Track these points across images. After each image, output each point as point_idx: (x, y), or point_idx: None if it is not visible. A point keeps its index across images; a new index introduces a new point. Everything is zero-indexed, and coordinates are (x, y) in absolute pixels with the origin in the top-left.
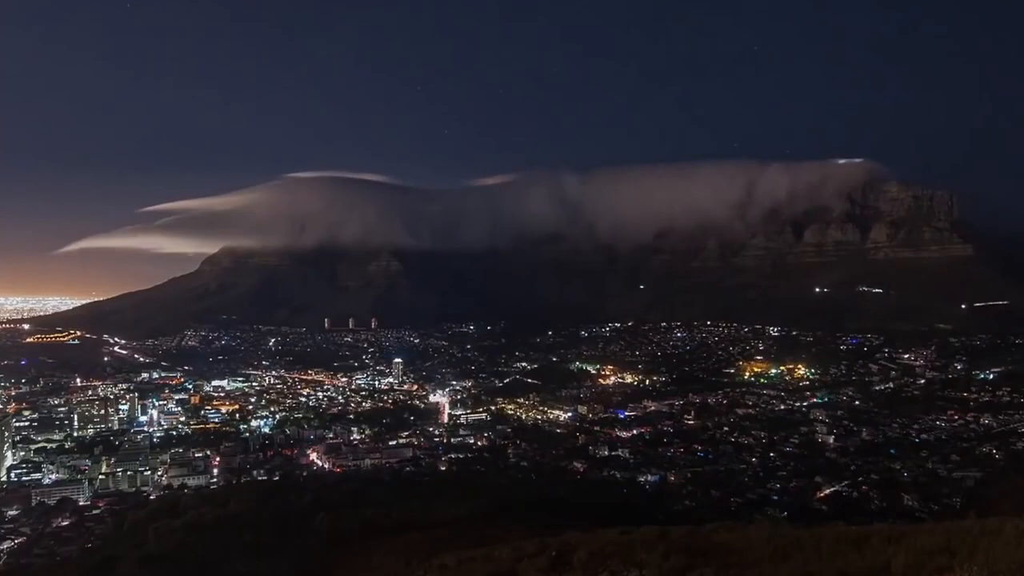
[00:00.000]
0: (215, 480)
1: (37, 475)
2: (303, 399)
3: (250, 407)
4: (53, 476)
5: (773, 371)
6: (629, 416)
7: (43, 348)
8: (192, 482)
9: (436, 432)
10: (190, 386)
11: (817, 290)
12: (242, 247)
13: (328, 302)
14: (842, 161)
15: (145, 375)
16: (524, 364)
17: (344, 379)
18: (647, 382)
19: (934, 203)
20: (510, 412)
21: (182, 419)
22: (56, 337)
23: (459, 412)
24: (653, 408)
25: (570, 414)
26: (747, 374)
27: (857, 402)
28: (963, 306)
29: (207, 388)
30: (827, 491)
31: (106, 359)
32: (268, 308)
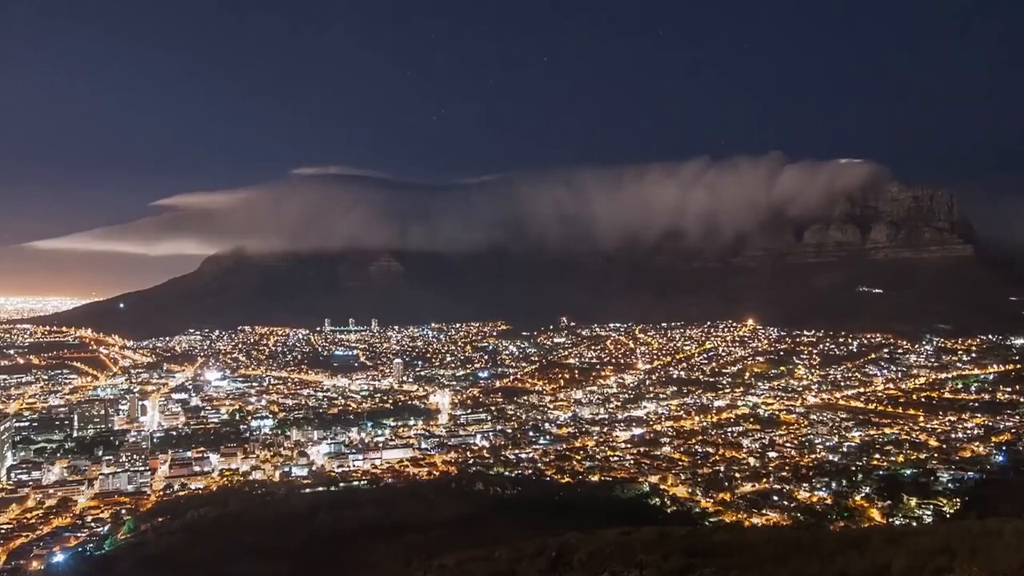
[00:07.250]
0: (215, 480)
1: (37, 475)
2: (303, 399)
3: (250, 407)
4: (53, 476)
5: (773, 371)
6: (629, 416)
7: (43, 348)
8: (192, 482)
9: (436, 432)
10: (190, 386)
11: (817, 290)
12: (242, 247)
13: (328, 302)
14: (842, 161)
15: (145, 375)
16: (524, 364)
17: (344, 379)
18: (647, 382)
19: (934, 203)
20: (510, 412)
21: (182, 419)
22: (56, 337)
23: (459, 412)
24: (652, 408)
25: (570, 414)
26: (747, 374)
27: (857, 402)
28: (963, 306)
29: (207, 388)
30: (827, 492)
31: (106, 359)
32: (268, 308)
